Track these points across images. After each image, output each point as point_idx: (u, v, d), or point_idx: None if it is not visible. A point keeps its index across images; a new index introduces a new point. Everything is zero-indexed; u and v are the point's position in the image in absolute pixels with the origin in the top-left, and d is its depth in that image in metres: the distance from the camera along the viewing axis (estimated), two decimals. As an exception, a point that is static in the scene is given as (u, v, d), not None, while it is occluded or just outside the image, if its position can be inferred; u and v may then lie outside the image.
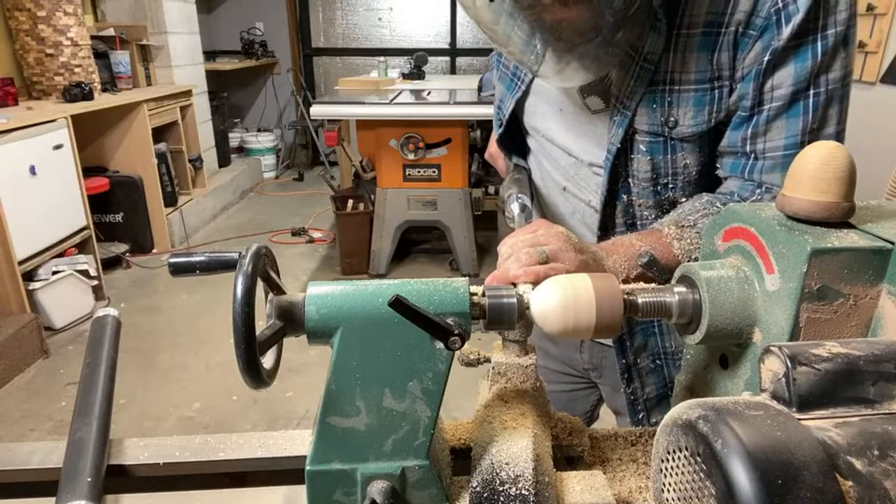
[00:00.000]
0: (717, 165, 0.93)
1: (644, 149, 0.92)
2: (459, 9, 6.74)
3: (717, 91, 0.87)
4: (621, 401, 1.16)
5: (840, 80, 0.83)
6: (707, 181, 0.95)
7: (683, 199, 0.95)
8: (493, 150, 1.26)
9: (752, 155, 0.87)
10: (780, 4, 0.79)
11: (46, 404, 2.72)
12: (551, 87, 1.02)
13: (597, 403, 1.34)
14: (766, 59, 0.81)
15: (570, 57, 0.82)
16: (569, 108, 1.01)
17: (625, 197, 0.98)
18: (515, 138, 1.18)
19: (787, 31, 0.79)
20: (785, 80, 0.82)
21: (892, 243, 0.55)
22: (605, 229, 1.01)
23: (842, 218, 0.57)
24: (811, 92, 0.82)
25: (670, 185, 0.94)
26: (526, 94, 1.08)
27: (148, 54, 4.75)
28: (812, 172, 0.56)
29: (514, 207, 1.01)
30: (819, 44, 0.80)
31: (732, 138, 0.88)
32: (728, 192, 0.90)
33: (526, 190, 1.05)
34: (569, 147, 1.03)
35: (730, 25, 0.82)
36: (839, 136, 0.85)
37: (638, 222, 0.99)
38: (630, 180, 0.96)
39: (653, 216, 0.97)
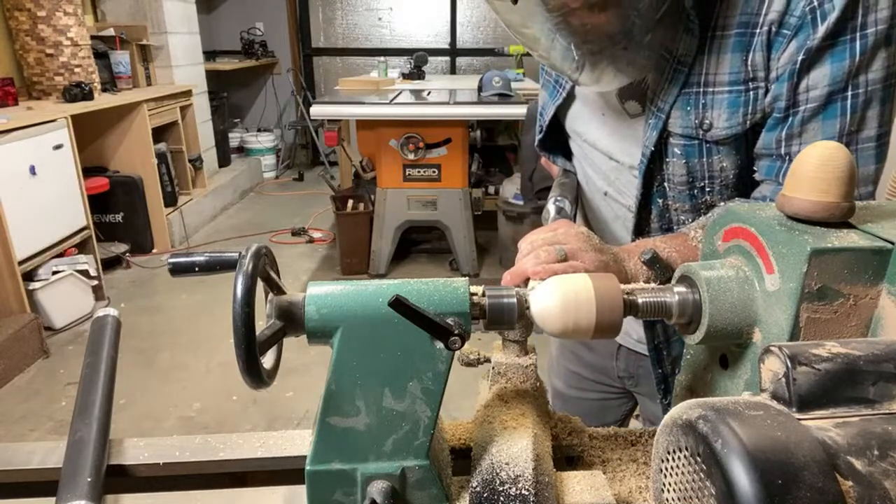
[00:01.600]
0: (755, 168, 0.90)
1: (679, 152, 0.91)
2: (459, 9, 6.76)
3: (751, 92, 0.84)
4: (657, 410, 1.14)
5: (881, 81, 0.79)
6: (746, 185, 0.92)
7: (721, 204, 0.92)
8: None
9: (787, 158, 0.84)
10: (816, 3, 0.77)
11: (46, 404, 2.72)
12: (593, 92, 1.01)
13: (628, 413, 1.31)
14: (800, 58, 0.79)
15: (600, 61, 0.81)
16: (610, 112, 1.00)
17: (660, 201, 0.96)
18: (559, 143, 1.16)
19: (822, 30, 0.77)
20: (820, 80, 0.79)
21: (892, 243, 0.55)
22: (640, 233, 0.99)
23: (842, 218, 0.57)
24: (849, 93, 0.79)
25: (707, 189, 0.92)
26: (568, 99, 1.07)
27: (148, 54, 4.75)
28: (812, 172, 0.56)
29: (551, 208, 0.99)
30: (857, 43, 0.77)
31: (767, 140, 0.86)
32: (761, 196, 0.88)
33: (567, 194, 1.03)
34: (610, 151, 1.02)
35: (763, 25, 0.80)
36: (880, 139, 0.82)
37: (675, 227, 0.97)
38: (665, 184, 0.94)
39: (689, 220, 0.95)
